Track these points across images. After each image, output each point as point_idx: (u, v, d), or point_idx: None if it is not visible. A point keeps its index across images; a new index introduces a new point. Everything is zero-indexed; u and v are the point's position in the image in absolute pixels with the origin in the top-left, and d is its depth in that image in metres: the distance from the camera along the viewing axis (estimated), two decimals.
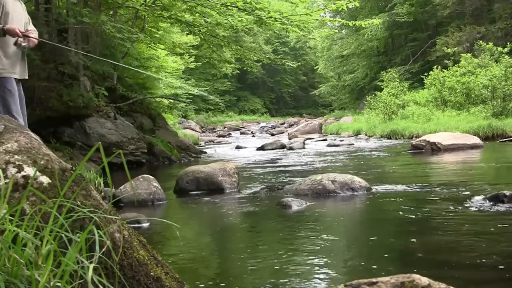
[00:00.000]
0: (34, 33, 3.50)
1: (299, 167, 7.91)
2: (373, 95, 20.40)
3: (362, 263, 2.63)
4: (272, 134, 23.02)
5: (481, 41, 18.66)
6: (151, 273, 1.72)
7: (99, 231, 1.30)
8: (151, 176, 5.05)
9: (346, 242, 3.19)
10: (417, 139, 10.57)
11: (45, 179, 1.57)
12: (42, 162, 1.61)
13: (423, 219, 3.59)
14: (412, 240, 3.02)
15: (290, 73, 49.66)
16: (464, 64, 17.99)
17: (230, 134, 24.90)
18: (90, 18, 7.85)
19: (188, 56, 17.59)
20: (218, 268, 2.68)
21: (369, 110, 20.20)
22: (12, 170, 1.56)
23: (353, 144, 13.17)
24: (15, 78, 3.36)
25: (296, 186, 5.14)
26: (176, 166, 9.41)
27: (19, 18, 3.46)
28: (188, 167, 5.98)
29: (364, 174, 6.28)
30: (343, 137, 17.06)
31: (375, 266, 2.55)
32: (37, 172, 1.56)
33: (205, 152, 12.50)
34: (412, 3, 27.41)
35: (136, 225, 3.66)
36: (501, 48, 16.98)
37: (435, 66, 19.14)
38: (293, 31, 9.79)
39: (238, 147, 13.71)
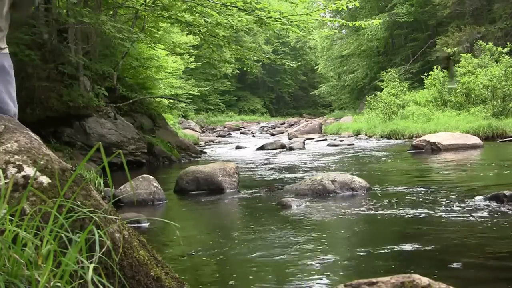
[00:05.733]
0: None
1: (299, 167, 7.91)
2: (373, 95, 20.39)
3: (362, 263, 2.63)
4: (272, 134, 23.01)
5: (481, 41, 18.66)
6: (151, 273, 1.72)
7: (99, 231, 1.30)
8: (151, 176, 5.05)
9: (346, 242, 3.19)
10: (417, 139, 10.57)
11: (45, 179, 1.57)
12: (42, 162, 1.61)
13: (423, 219, 3.59)
14: (412, 240, 3.02)
15: (290, 73, 49.68)
16: (464, 64, 18.00)
17: (230, 134, 24.90)
18: (90, 18, 7.85)
19: (188, 56, 17.60)
20: (218, 268, 2.68)
21: (369, 110, 20.19)
22: (12, 170, 1.56)
23: (353, 144, 13.17)
24: None
25: (296, 186, 5.14)
26: (176, 166, 9.41)
27: None
28: (188, 167, 5.98)
29: (364, 174, 6.28)
30: (343, 137, 17.06)
31: (375, 266, 2.55)
32: (37, 172, 1.56)
33: (205, 152, 12.49)
34: (412, 3, 27.42)
35: (136, 225, 3.66)
36: (501, 48, 16.97)
37: (435, 66, 19.15)
38: (293, 31, 9.79)
39: (238, 147, 13.71)
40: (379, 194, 4.75)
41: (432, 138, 10.04)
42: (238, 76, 41.42)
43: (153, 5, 10.41)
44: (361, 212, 4.03)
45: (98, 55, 10.21)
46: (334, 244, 3.09)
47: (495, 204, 3.86)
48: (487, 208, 3.76)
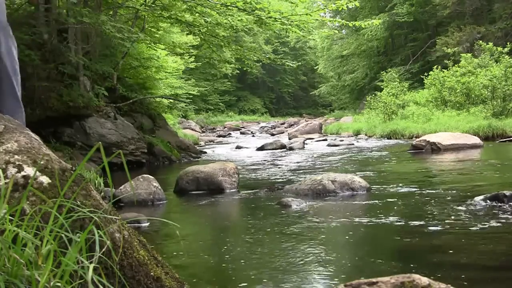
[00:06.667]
0: None
1: (299, 167, 7.91)
2: (373, 95, 20.41)
3: (362, 263, 2.63)
4: (272, 134, 23.02)
5: (481, 41, 18.66)
6: (151, 273, 1.72)
7: (99, 231, 1.30)
8: (151, 176, 5.05)
9: (346, 242, 3.19)
10: (417, 139, 10.57)
11: (45, 179, 1.57)
12: (42, 162, 1.61)
13: (423, 219, 3.59)
14: (412, 240, 3.02)
15: (290, 73, 49.73)
16: (464, 64, 18.00)
17: (230, 134, 24.91)
18: (90, 18, 7.85)
19: (188, 56, 17.60)
20: (218, 268, 2.68)
21: (369, 110, 20.21)
22: (12, 170, 1.56)
23: (353, 144, 13.17)
24: None
25: (296, 186, 5.14)
26: (176, 166, 9.41)
27: None
28: (188, 167, 5.98)
29: (364, 174, 6.28)
30: (343, 137, 17.06)
31: (375, 266, 2.55)
32: (37, 172, 1.56)
33: (205, 152, 12.49)
34: (412, 3, 27.44)
35: (136, 225, 3.66)
36: (501, 48, 16.98)
37: (435, 66, 19.15)
38: (293, 31, 9.79)
39: (238, 147, 13.71)
40: (379, 194, 4.75)
41: (432, 138, 10.04)
42: (238, 76, 41.45)
43: (153, 5, 10.41)
44: (361, 212, 4.03)
45: (98, 55, 10.21)
46: (334, 244, 3.09)
47: (495, 204, 3.86)
48: (487, 208, 3.76)
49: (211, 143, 17.97)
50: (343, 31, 33.53)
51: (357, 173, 6.17)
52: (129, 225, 1.86)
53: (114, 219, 1.63)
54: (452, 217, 3.56)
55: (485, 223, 3.31)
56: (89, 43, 9.93)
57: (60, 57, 8.59)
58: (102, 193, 4.82)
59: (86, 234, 1.25)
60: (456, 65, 18.46)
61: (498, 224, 3.27)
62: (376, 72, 29.29)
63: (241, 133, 25.94)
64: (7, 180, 1.49)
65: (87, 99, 8.67)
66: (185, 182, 5.61)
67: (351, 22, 10.46)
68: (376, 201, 4.41)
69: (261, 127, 30.91)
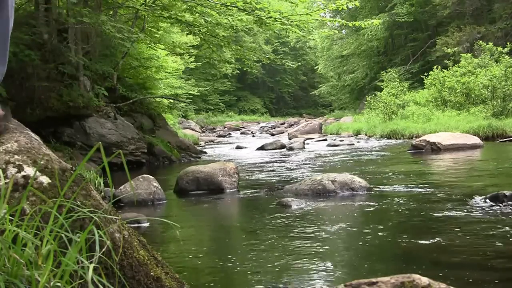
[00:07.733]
0: None
1: (299, 167, 7.91)
2: (373, 95, 20.41)
3: (362, 263, 2.64)
4: (272, 134, 23.01)
5: (481, 41, 18.67)
6: (151, 273, 1.72)
7: (99, 231, 1.30)
8: (151, 176, 5.05)
9: (346, 242, 3.19)
10: (417, 139, 10.57)
11: (45, 179, 1.57)
12: (42, 162, 1.61)
13: (423, 219, 3.59)
14: (412, 240, 3.02)
15: (290, 73, 49.75)
16: (464, 64, 18.00)
17: (230, 134, 24.91)
18: (90, 18, 7.85)
19: (188, 56, 17.60)
20: (218, 268, 2.68)
21: (369, 110, 20.21)
22: (12, 170, 1.56)
23: (353, 144, 13.17)
24: None
25: (296, 186, 5.14)
26: (176, 166, 9.41)
27: None
28: (188, 167, 5.98)
29: (364, 174, 6.28)
30: (343, 137, 17.06)
31: (375, 266, 2.55)
32: (37, 172, 1.56)
33: (205, 152, 12.49)
34: (412, 3, 27.46)
35: (136, 225, 3.66)
36: (501, 48, 16.98)
37: (435, 66, 19.16)
38: (293, 31, 9.79)
39: (238, 147, 13.71)
40: (379, 194, 4.75)
41: (432, 138, 10.04)
42: (238, 76, 41.47)
43: (153, 5, 10.41)
44: (361, 212, 4.03)
45: (98, 55, 10.21)
46: (334, 244, 3.09)
47: (495, 204, 3.86)
48: (487, 208, 3.76)
49: (211, 143, 17.97)
50: (343, 31, 33.54)
51: (357, 173, 6.17)
52: (129, 225, 1.86)
53: (114, 219, 1.63)
54: (452, 217, 3.56)
55: (485, 223, 3.31)
56: (89, 43, 9.93)
57: (60, 57, 8.59)
58: (102, 193, 4.82)
59: (86, 234, 1.25)
60: (456, 65, 18.46)
61: (498, 224, 3.27)
62: (376, 72, 29.29)
63: (241, 133, 25.94)
64: (7, 180, 1.49)
65: (87, 99, 8.67)
66: (185, 182, 5.61)
67: (351, 22, 10.46)
68: (376, 201, 4.41)
69: (261, 127, 30.91)
